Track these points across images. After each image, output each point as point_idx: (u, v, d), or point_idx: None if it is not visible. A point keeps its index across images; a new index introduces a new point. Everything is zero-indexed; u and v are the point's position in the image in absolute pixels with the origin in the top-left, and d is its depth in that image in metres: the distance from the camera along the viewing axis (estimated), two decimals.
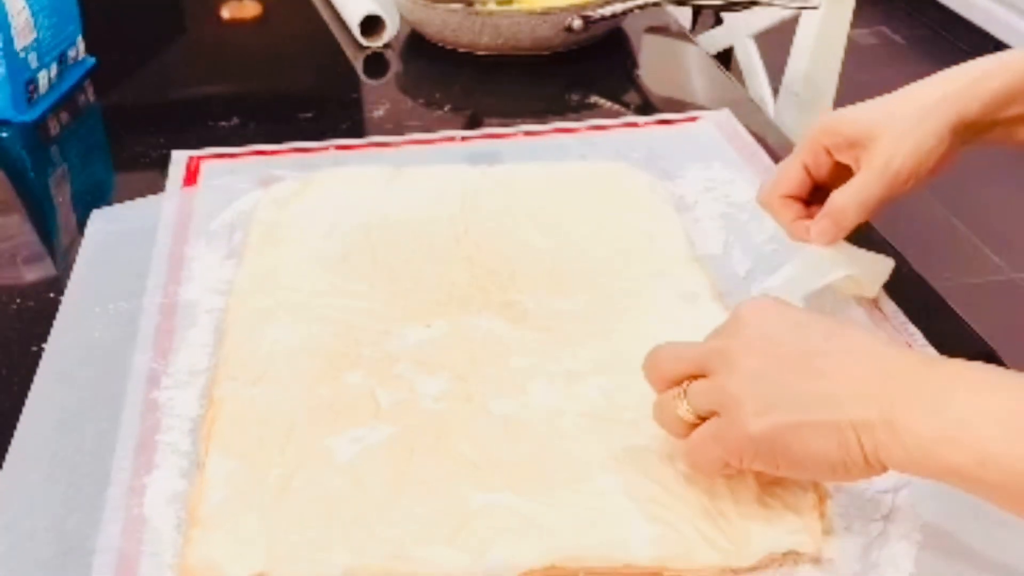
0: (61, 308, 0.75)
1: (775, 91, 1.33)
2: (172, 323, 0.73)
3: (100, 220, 0.85)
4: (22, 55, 1.03)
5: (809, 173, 0.72)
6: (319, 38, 1.25)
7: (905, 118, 0.68)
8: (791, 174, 0.72)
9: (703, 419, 0.55)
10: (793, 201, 0.72)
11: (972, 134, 0.69)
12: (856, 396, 0.51)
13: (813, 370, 0.52)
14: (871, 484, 0.60)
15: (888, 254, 0.76)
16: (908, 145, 0.67)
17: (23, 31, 1.02)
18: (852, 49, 1.31)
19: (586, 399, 0.65)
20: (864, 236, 0.75)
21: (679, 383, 0.56)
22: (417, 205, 0.84)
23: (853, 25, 1.29)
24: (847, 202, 0.69)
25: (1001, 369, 0.52)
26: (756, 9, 1.21)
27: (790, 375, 0.53)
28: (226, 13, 1.33)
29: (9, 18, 1.00)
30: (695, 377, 0.55)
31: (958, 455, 0.49)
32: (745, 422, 0.52)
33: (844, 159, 0.70)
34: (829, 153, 0.70)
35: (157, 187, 0.91)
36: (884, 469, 0.52)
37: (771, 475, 0.57)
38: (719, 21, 1.52)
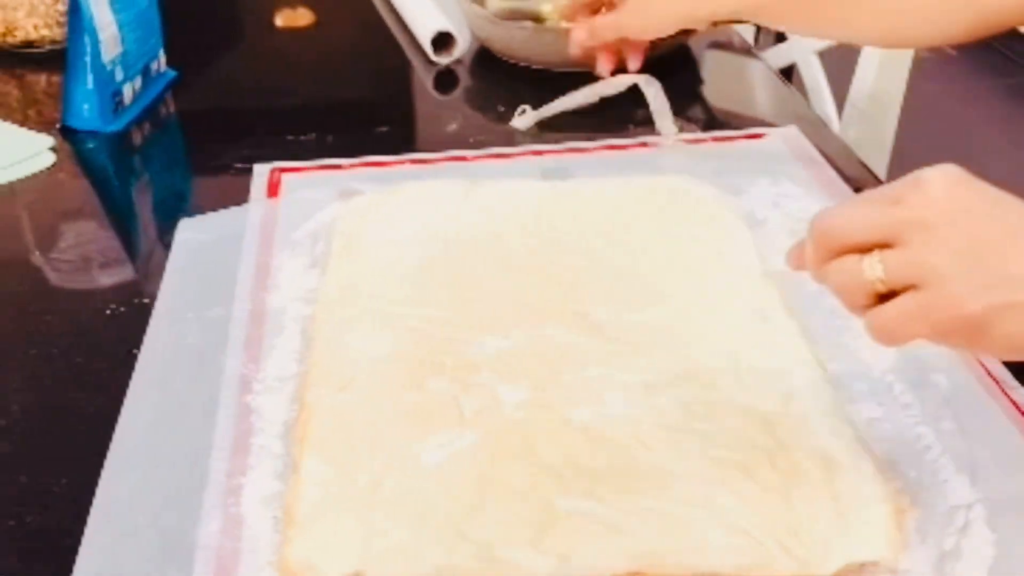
0: (154, 313, 0.78)
1: (840, 108, 1.34)
2: (261, 330, 0.75)
3: (189, 229, 0.88)
4: (109, 68, 1.06)
5: None
6: (384, 49, 1.28)
7: None
8: None
9: (890, 292, 0.52)
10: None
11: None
12: None
13: (1009, 255, 0.50)
14: (946, 498, 0.61)
15: None
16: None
17: (110, 45, 1.06)
18: (917, 63, 1.31)
19: (662, 409, 0.67)
20: None
21: (863, 250, 0.52)
22: (492, 218, 0.86)
23: None
24: (602, 30, 0.97)
25: None
26: None
27: (998, 254, 0.50)
28: (280, 21, 1.36)
29: (98, 32, 1.04)
30: (883, 246, 0.52)
31: None
32: (958, 300, 0.50)
33: None
34: None
35: (234, 195, 0.93)
36: None
37: (848, 489, 0.58)
38: (782, 37, 1.53)
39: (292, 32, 1.39)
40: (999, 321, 0.51)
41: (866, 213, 0.53)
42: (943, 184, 0.52)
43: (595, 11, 0.99)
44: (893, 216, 0.52)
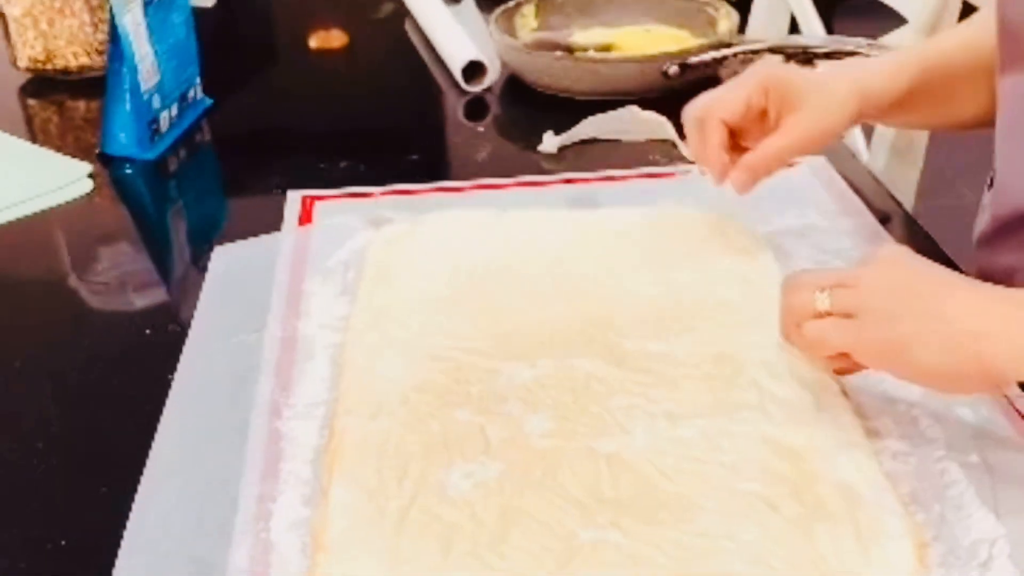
0: (188, 339, 0.80)
1: (868, 137, 1.35)
2: (292, 356, 0.77)
3: (223, 256, 0.90)
4: (146, 96, 1.09)
5: (748, 106, 0.81)
6: (415, 75, 1.30)
7: (832, 96, 0.80)
8: (735, 103, 0.81)
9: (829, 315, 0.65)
10: (724, 126, 0.82)
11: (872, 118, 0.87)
12: (971, 314, 0.61)
13: (937, 298, 0.62)
14: (969, 533, 0.62)
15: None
16: (826, 123, 0.81)
17: (148, 74, 1.08)
18: None
19: (687, 441, 0.67)
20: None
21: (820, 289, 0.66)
22: (520, 248, 0.88)
23: None
24: (769, 158, 0.82)
25: None
26: (848, 60, 1.22)
27: (917, 299, 0.62)
28: (314, 43, 1.38)
29: (136, 61, 1.06)
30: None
31: None
32: (886, 324, 0.62)
33: (771, 108, 0.80)
34: (766, 97, 0.79)
35: (269, 222, 0.95)
36: (1002, 383, 0.64)
37: (872, 523, 0.59)
38: (811, 64, 1.54)
39: (325, 54, 1.41)
40: (918, 347, 0.61)
41: (826, 271, 0.70)
42: (890, 254, 0.66)
43: (733, 147, 0.85)
44: (848, 271, 0.67)
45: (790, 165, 0.89)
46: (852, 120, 0.82)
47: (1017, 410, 0.71)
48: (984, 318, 0.61)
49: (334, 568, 0.58)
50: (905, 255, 0.66)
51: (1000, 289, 0.64)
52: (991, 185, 0.87)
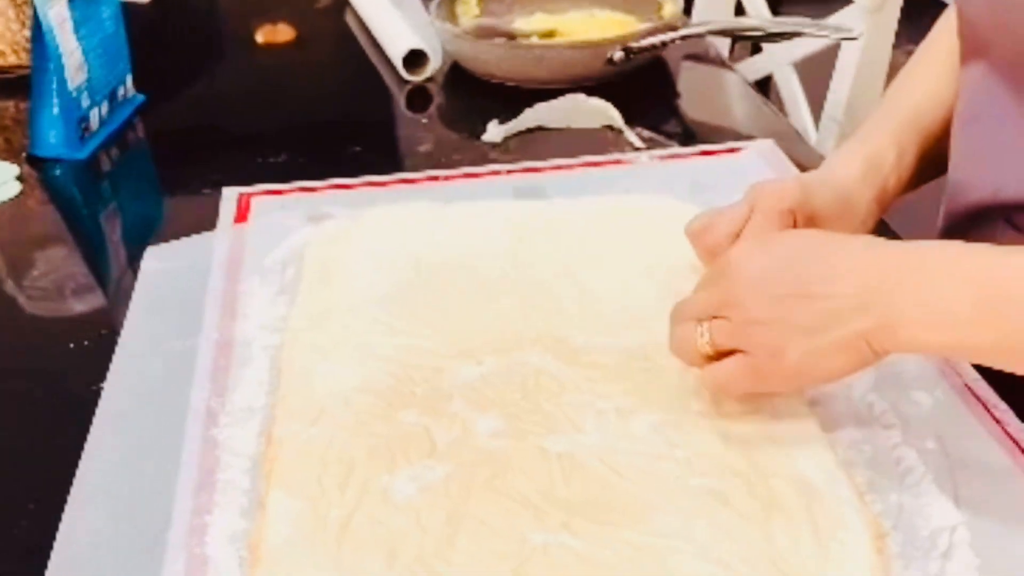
0: (118, 347, 0.77)
1: (816, 120, 1.34)
2: (228, 360, 0.74)
3: (154, 258, 0.86)
4: (74, 94, 1.05)
5: None
6: (357, 66, 1.27)
7: (855, 212, 0.78)
8: None
9: (720, 352, 0.63)
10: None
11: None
12: (856, 308, 0.59)
13: (815, 296, 0.60)
14: (928, 521, 0.60)
15: None
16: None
17: (76, 71, 1.05)
18: (893, 72, 1.31)
19: (639, 437, 0.65)
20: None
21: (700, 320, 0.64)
22: (465, 241, 0.85)
23: (895, 54, 1.29)
24: None
25: (971, 247, 0.60)
26: (796, 40, 1.21)
27: (798, 309, 0.60)
28: (260, 37, 1.35)
29: (63, 59, 1.02)
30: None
31: (944, 336, 0.58)
32: (777, 358, 0.61)
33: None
34: (795, 224, 0.74)
35: (206, 220, 0.92)
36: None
37: (828, 516, 0.57)
38: (757, 49, 1.52)
39: (264, 49, 1.37)
40: (812, 365, 0.61)
41: (698, 297, 0.67)
42: (740, 259, 0.64)
43: None
44: (714, 298, 0.64)
45: None
46: (875, 226, 0.80)
47: (974, 393, 0.69)
48: (868, 298, 0.59)
49: None
50: (751, 257, 0.64)
51: (871, 254, 0.61)
52: None
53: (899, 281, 0.59)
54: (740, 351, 0.63)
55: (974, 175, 0.80)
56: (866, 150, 0.80)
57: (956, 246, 0.60)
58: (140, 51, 1.18)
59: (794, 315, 0.60)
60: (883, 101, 0.86)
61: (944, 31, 0.85)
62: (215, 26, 1.50)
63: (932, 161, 0.83)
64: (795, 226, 0.74)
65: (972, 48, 0.78)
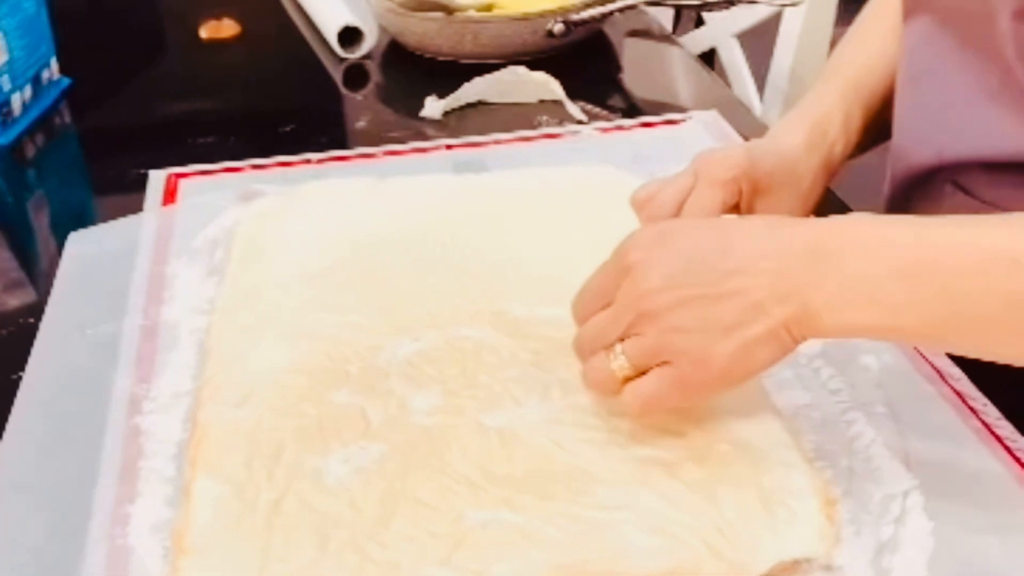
0: (39, 334, 0.73)
1: (760, 90, 1.32)
2: (154, 345, 0.71)
3: (78, 243, 0.83)
4: None
5: (723, 209, 0.72)
6: (298, 53, 1.24)
7: (802, 180, 0.74)
8: (712, 211, 0.70)
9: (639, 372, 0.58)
10: None
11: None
12: (775, 298, 0.54)
13: (730, 292, 0.55)
14: (880, 486, 0.59)
15: None
16: (802, 208, 0.75)
17: None
18: (835, 41, 1.30)
19: (580, 408, 0.63)
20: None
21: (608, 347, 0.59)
22: (402, 216, 0.82)
23: (838, 21, 1.28)
24: None
25: (889, 219, 0.56)
26: (737, 8, 1.19)
27: (715, 308, 0.55)
28: (204, 33, 1.32)
29: None
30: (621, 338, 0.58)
31: (870, 317, 0.54)
32: (704, 366, 0.56)
33: (743, 201, 0.72)
34: (740, 194, 0.71)
35: (137, 207, 0.89)
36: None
37: (776, 483, 0.55)
38: (701, 22, 1.51)
39: (215, 43, 1.34)
40: (741, 363, 0.56)
41: (599, 324, 0.59)
42: (640, 257, 0.58)
43: None
44: (621, 315, 0.58)
45: None
46: (822, 193, 0.77)
47: (922, 355, 0.68)
48: (784, 285, 0.54)
49: (197, 572, 0.53)
50: (651, 249, 0.58)
51: (779, 237, 0.57)
52: None
53: (814, 263, 0.55)
54: (661, 364, 0.57)
55: (916, 137, 0.78)
56: (812, 115, 0.77)
57: (872, 220, 0.56)
58: (75, 38, 1.14)
59: (712, 315, 0.55)
60: (828, 65, 0.84)
61: None
62: (155, 16, 1.46)
63: (880, 124, 0.81)
64: (740, 196, 0.72)
65: (914, 1, 0.77)
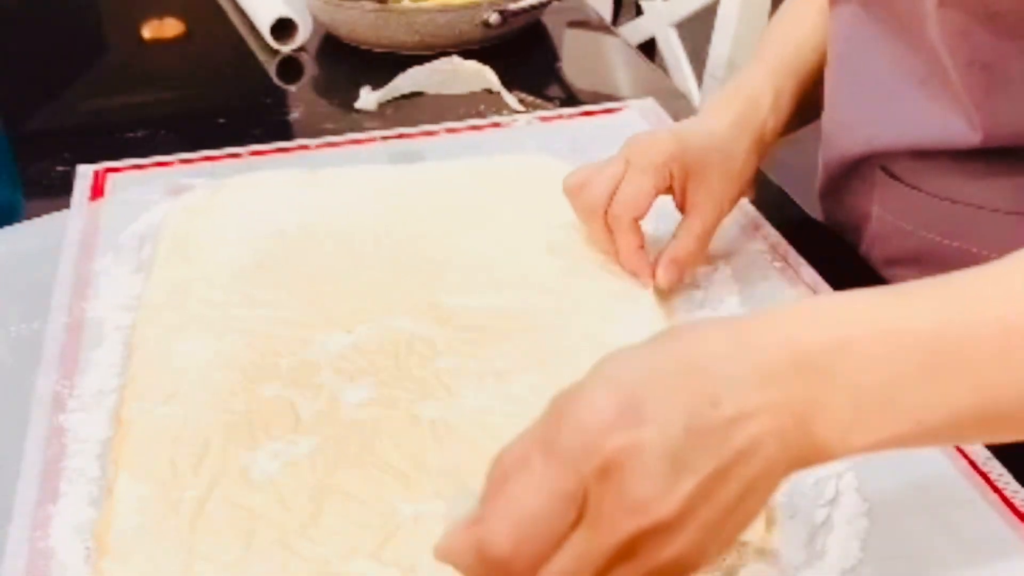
0: None
1: (699, 79, 1.32)
2: (78, 343, 0.69)
3: (2, 241, 0.81)
4: None
5: (655, 195, 0.71)
6: (235, 48, 1.21)
7: (735, 160, 0.74)
8: (646, 198, 0.71)
9: None
10: (637, 225, 0.72)
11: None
12: (780, 442, 0.42)
13: (739, 452, 0.41)
14: (814, 471, 0.58)
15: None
16: (736, 190, 0.74)
17: None
18: None
19: (517, 398, 0.63)
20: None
21: None
22: (335, 208, 0.81)
23: (773, 9, 1.28)
24: (692, 246, 0.73)
25: (871, 297, 0.45)
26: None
27: (727, 489, 0.42)
28: (147, 32, 1.29)
29: None
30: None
31: (892, 428, 0.43)
32: (700, 562, 0.43)
33: (676, 186, 0.72)
34: (672, 177, 0.71)
35: (67, 205, 0.86)
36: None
37: None
38: (640, 12, 1.51)
39: (157, 43, 1.31)
40: (740, 528, 0.44)
41: (581, 556, 0.41)
42: (632, 457, 0.40)
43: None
44: (610, 548, 0.41)
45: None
46: (755, 172, 0.76)
47: None
48: (788, 430, 0.42)
49: (119, 573, 0.51)
50: (613, 471, 0.40)
51: (760, 364, 0.43)
52: None
53: (810, 382, 0.42)
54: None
55: (846, 123, 0.78)
56: (742, 94, 0.77)
57: (864, 304, 0.45)
58: (3, 37, 1.11)
59: (722, 494, 0.42)
60: (759, 44, 0.84)
61: None
62: (95, 16, 1.43)
63: (812, 102, 0.80)
64: (672, 179, 0.71)
65: None
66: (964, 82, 0.67)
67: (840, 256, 0.80)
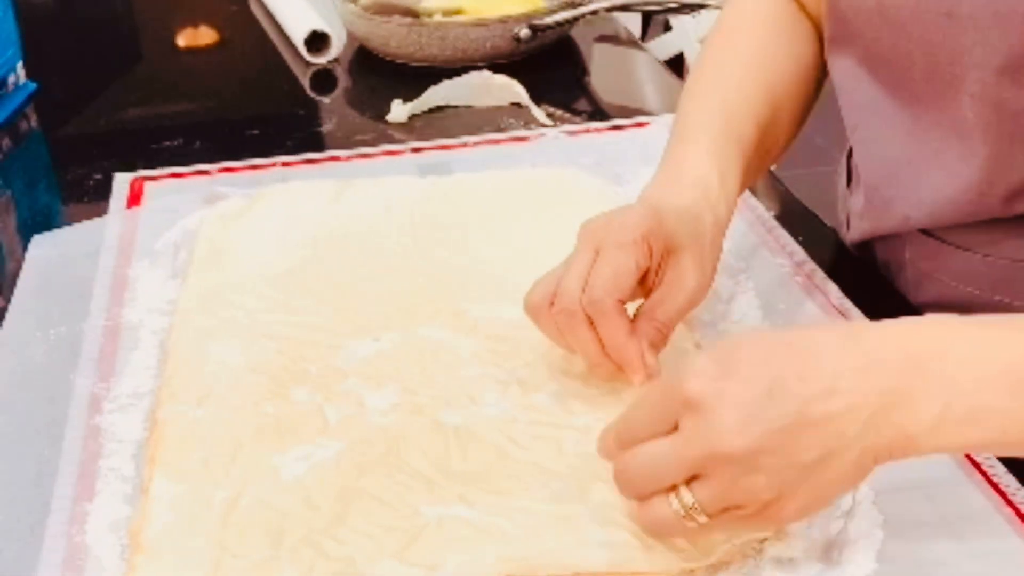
0: (0, 336, 0.73)
1: None
2: (115, 345, 0.71)
3: (42, 245, 0.83)
4: None
5: (637, 274, 0.63)
6: (269, 59, 1.24)
7: (704, 227, 0.65)
8: (629, 276, 0.62)
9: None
10: (624, 308, 0.62)
11: None
12: (868, 424, 0.48)
13: (815, 421, 0.48)
14: None
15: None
16: (710, 259, 0.66)
17: None
18: None
19: (538, 406, 0.64)
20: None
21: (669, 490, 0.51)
22: (365, 218, 0.83)
23: None
24: (671, 326, 0.64)
25: (977, 321, 0.51)
26: (704, 12, 1.20)
27: (798, 442, 0.48)
28: (182, 41, 1.32)
29: None
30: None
31: (978, 434, 0.49)
32: (777, 511, 0.50)
33: (654, 265, 0.63)
34: (651, 254, 0.63)
35: (103, 211, 0.89)
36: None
37: None
38: (669, 28, 1.52)
39: (192, 51, 1.34)
40: (822, 499, 0.51)
41: (659, 461, 0.51)
42: (712, 399, 0.49)
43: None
44: (686, 455, 0.50)
45: None
46: (722, 238, 0.68)
47: None
48: (878, 410, 0.49)
49: (152, 569, 0.53)
50: (720, 383, 0.49)
51: (863, 351, 0.50)
52: (848, 180, 0.81)
53: (915, 376, 0.49)
54: (732, 508, 0.50)
55: (878, 200, 0.74)
56: (686, 180, 0.68)
57: (961, 321, 0.51)
58: (48, 44, 1.13)
59: (794, 452, 0.48)
60: (683, 111, 0.74)
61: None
62: (132, 25, 1.46)
63: (756, 168, 0.74)
64: (651, 255, 0.63)
65: (839, 36, 0.72)
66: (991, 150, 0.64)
67: (865, 273, 0.81)
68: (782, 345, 0.51)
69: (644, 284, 0.64)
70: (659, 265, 0.64)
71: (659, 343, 0.63)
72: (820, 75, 0.78)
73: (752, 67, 0.73)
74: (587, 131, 1.00)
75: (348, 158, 0.96)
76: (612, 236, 0.63)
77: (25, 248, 0.90)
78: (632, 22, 1.44)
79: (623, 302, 0.62)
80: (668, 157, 0.71)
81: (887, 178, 0.73)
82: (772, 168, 0.96)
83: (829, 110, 0.79)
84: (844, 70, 0.73)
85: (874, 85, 0.71)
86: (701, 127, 0.71)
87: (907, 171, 0.70)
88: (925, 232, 0.73)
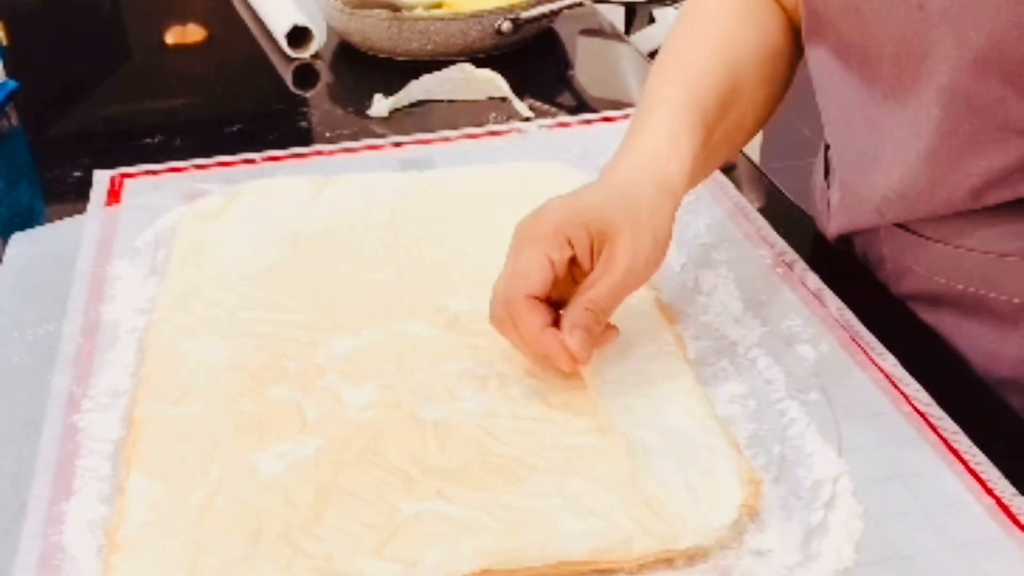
0: None
1: None
2: (93, 344, 0.70)
3: (21, 243, 0.82)
4: None
5: (553, 267, 0.62)
6: (251, 55, 1.23)
7: (636, 209, 0.64)
8: (540, 271, 0.62)
9: None
10: (536, 301, 0.62)
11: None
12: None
13: None
14: (811, 472, 0.59)
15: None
16: (648, 235, 0.63)
17: None
18: None
19: (518, 401, 0.64)
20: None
21: None
22: (345, 213, 0.83)
23: None
24: (602, 307, 0.63)
25: None
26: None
27: None
28: (170, 39, 1.31)
29: None
30: None
31: None
32: None
33: (579, 251, 0.63)
34: (571, 245, 0.63)
35: (83, 209, 0.88)
36: None
37: (701, 461, 0.56)
38: (652, 20, 1.52)
39: (180, 49, 1.33)
40: None
41: None
42: None
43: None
44: None
45: None
46: (673, 218, 0.66)
47: (859, 344, 0.69)
48: None
49: (129, 568, 0.53)
50: None
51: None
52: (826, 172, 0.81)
53: None
54: None
55: (853, 196, 0.74)
56: (637, 145, 0.68)
57: None
58: (33, 44, 1.13)
59: None
60: (647, 89, 0.73)
61: None
62: (118, 24, 1.45)
63: (721, 145, 0.73)
64: (572, 246, 0.63)
65: (815, 29, 0.72)
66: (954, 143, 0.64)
67: (846, 264, 0.81)
68: None
69: (580, 272, 0.64)
70: (593, 249, 0.63)
71: (593, 325, 0.62)
72: (790, 62, 0.77)
73: (718, 47, 0.73)
74: (570, 125, 1.00)
75: (330, 153, 0.95)
76: (528, 233, 0.63)
77: (4, 245, 0.89)
78: (616, 15, 1.44)
79: (540, 298, 0.62)
80: (628, 131, 0.71)
81: (859, 173, 0.73)
82: (757, 162, 0.96)
83: (817, 102, 0.79)
84: (819, 63, 0.73)
85: (846, 78, 0.71)
86: (660, 98, 0.70)
87: (877, 166, 0.70)
88: (899, 226, 0.73)
